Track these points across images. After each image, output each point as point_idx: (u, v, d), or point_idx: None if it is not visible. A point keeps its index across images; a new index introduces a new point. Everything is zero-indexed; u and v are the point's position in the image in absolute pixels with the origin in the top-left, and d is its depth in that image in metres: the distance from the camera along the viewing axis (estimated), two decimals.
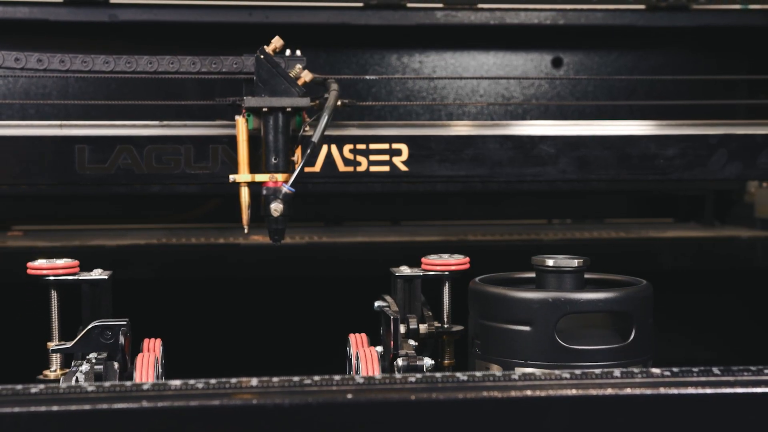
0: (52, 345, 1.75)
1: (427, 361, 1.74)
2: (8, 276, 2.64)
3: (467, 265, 1.88)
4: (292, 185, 1.92)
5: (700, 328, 2.99)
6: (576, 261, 1.72)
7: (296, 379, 1.44)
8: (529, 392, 1.39)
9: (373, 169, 2.06)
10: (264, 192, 1.94)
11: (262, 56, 1.94)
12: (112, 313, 1.80)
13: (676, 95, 3.07)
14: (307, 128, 1.99)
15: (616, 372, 1.48)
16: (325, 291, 2.81)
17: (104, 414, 1.33)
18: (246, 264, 2.70)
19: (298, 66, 1.99)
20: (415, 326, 1.82)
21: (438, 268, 1.89)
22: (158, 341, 1.77)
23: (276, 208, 1.92)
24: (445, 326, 1.88)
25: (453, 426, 1.38)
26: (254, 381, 1.43)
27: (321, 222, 3.18)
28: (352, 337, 1.84)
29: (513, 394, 1.39)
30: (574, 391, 1.39)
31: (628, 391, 1.41)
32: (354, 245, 2.75)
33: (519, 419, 1.39)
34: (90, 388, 1.38)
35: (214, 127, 2.08)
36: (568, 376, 1.45)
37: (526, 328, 1.64)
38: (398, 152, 2.06)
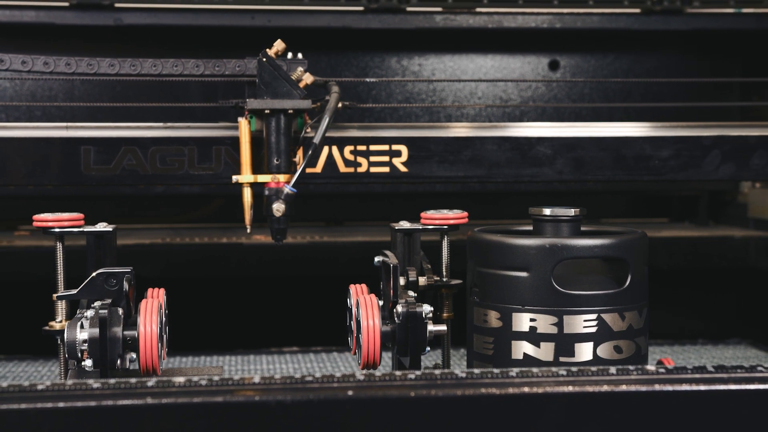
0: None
1: (426, 308, 1.74)
2: (16, 275, 2.64)
3: (465, 220, 1.87)
4: (293, 186, 1.92)
5: (691, 313, 2.99)
6: (572, 210, 1.72)
7: (298, 376, 1.44)
8: (526, 389, 1.39)
9: (373, 169, 2.06)
10: (266, 192, 1.95)
11: (264, 59, 1.94)
12: (117, 265, 1.79)
13: (671, 97, 3.07)
14: (309, 130, 2.00)
15: (612, 369, 1.48)
16: (326, 290, 2.81)
17: (109, 410, 1.33)
18: (248, 263, 2.70)
19: (300, 69, 1.99)
20: (414, 278, 1.82)
21: (437, 222, 1.88)
22: (162, 290, 1.77)
23: (278, 208, 1.92)
24: (444, 279, 1.88)
25: (452, 422, 1.38)
26: (256, 378, 1.43)
27: (322, 222, 3.19)
28: (352, 287, 1.83)
29: (510, 390, 1.39)
30: (570, 388, 1.39)
31: (624, 387, 1.41)
32: (355, 244, 2.75)
33: (517, 415, 1.39)
34: (95, 385, 1.38)
35: (217, 129, 2.09)
36: (564, 372, 1.45)
37: (524, 274, 1.64)
38: (398, 153, 2.06)
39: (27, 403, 1.32)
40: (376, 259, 1.86)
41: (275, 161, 1.94)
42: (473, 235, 1.76)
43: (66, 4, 2.66)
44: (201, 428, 1.34)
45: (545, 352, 1.63)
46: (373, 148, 2.06)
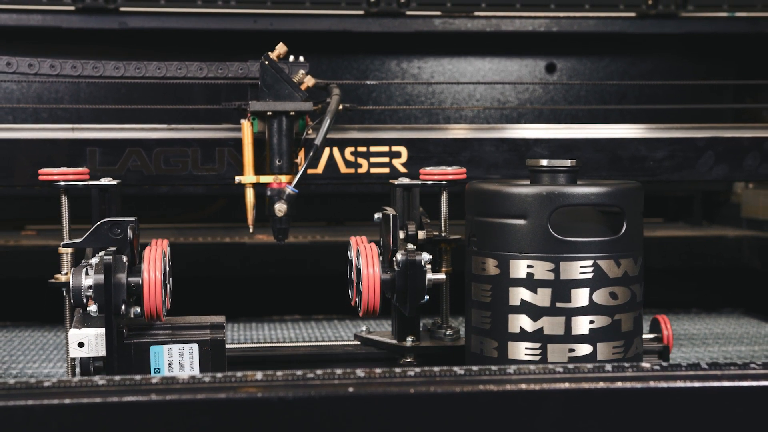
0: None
1: (425, 256, 1.74)
2: (24, 273, 2.64)
3: (464, 175, 1.87)
4: (295, 186, 1.92)
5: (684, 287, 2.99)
6: (569, 161, 1.71)
7: (299, 372, 1.44)
8: (523, 386, 1.40)
9: (373, 170, 2.06)
10: (268, 193, 1.95)
11: (266, 62, 1.95)
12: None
13: (666, 99, 3.07)
14: (310, 131, 2.00)
15: (608, 366, 1.48)
16: (328, 288, 2.81)
17: (114, 407, 1.33)
18: (251, 262, 2.70)
19: (301, 71, 1.99)
20: (414, 232, 1.81)
21: (436, 177, 1.88)
22: (165, 241, 1.75)
23: (280, 208, 1.92)
24: (443, 234, 1.88)
25: (451, 418, 1.38)
26: (259, 375, 1.43)
27: (323, 222, 3.19)
28: (352, 238, 1.83)
29: (508, 387, 1.39)
30: (567, 385, 1.39)
31: (619, 384, 1.41)
32: None
33: (514, 412, 1.39)
34: (101, 382, 1.39)
35: (220, 131, 2.09)
36: (561, 369, 1.46)
37: (521, 222, 1.63)
38: (398, 154, 2.07)
39: (34, 400, 1.32)
40: (376, 216, 1.87)
41: (277, 162, 1.95)
42: (472, 186, 1.75)
43: (72, 8, 2.66)
44: (204, 424, 1.34)
45: (542, 297, 1.62)
46: (373, 149, 2.07)
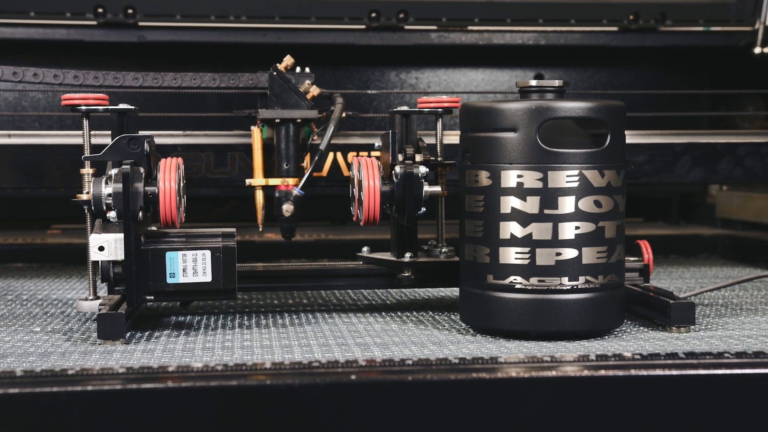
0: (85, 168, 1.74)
1: (422, 169, 1.75)
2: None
3: (458, 104, 1.86)
4: (301, 188, 1.93)
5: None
6: (557, 81, 1.71)
7: (305, 362, 1.44)
8: (513, 373, 1.40)
9: None
10: (276, 194, 1.95)
11: (275, 73, 1.95)
12: None
13: (646, 108, 3.07)
14: (316, 137, 2.00)
15: (592, 356, 1.48)
16: None
17: (133, 393, 1.33)
18: (260, 260, 2.71)
19: (307, 81, 1.99)
20: (412, 154, 1.81)
21: (432, 105, 1.89)
22: (180, 159, 1.74)
23: (287, 209, 1.93)
24: (439, 159, 1.88)
25: (446, 404, 1.38)
26: (268, 363, 1.44)
27: (327, 221, 3.19)
28: (353, 157, 1.82)
29: (499, 375, 1.39)
30: (553, 373, 1.40)
31: (603, 372, 1.41)
32: (357, 242, 2.75)
33: (505, 398, 1.39)
34: (120, 371, 1.39)
35: (231, 137, 2.09)
36: (548, 359, 1.46)
37: (512, 134, 1.63)
38: None
39: (58, 387, 1.32)
40: (377, 144, 1.87)
41: (285, 166, 1.95)
42: (466, 105, 1.74)
43: (94, 23, 2.66)
44: (218, 409, 1.34)
45: (531, 205, 1.62)
46: (374, 154, 2.06)
